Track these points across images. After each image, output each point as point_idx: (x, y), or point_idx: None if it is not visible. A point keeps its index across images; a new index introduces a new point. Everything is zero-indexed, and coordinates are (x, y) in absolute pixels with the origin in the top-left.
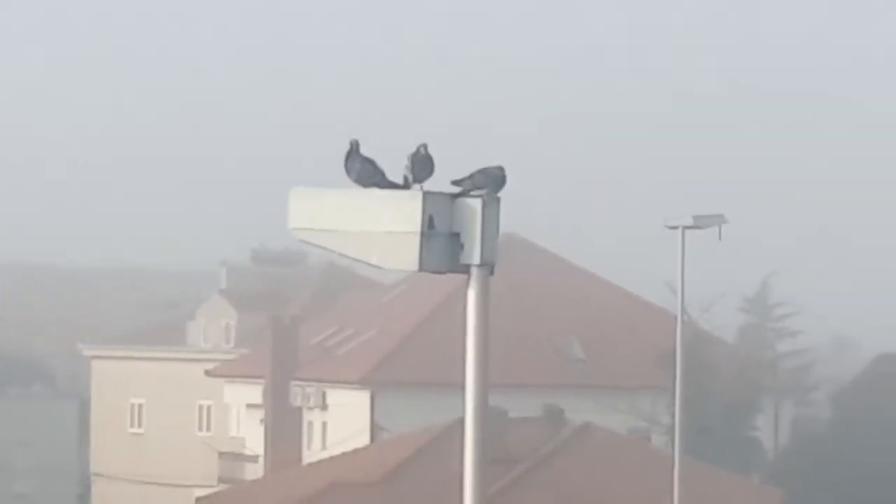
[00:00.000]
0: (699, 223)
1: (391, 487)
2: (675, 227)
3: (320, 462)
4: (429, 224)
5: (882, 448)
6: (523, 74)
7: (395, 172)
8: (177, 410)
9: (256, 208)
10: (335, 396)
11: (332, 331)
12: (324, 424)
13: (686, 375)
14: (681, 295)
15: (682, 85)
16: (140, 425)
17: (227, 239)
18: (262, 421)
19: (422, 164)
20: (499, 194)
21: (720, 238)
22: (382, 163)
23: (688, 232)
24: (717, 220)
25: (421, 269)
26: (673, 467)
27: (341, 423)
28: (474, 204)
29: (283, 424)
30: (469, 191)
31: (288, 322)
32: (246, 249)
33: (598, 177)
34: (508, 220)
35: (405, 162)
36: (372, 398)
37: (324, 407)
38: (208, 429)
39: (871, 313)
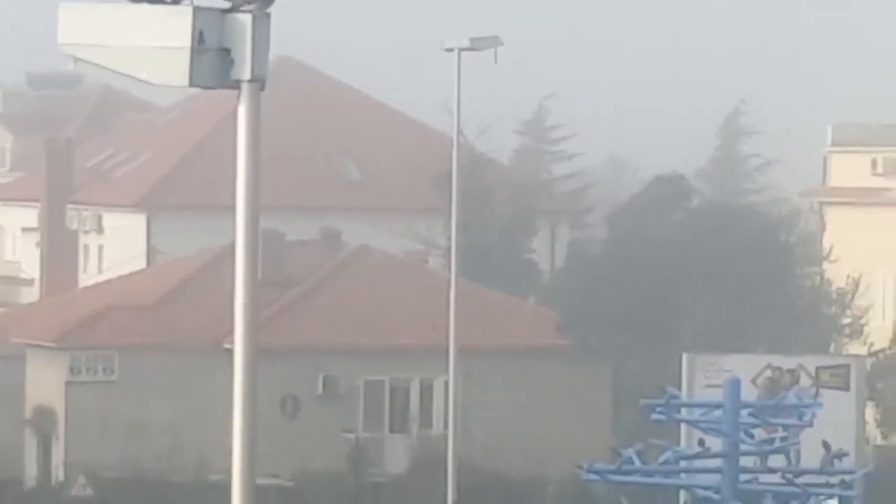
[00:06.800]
0: (476, 45)
1: (167, 310)
2: (451, 50)
3: (96, 285)
4: (199, 39)
5: (654, 269)
6: None
7: None
8: None
9: (30, 29)
10: (111, 220)
11: (108, 153)
12: (100, 248)
13: (462, 198)
14: (457, 117)
15: None
16: None
17: (1, 61)
18: (37, 244)
19: None
20: (269, 10)
21: (496, 60)
22: None
23: (464, 54)
24: (494, 41)
25: (191, 84)
26: (449, 289)
27: (118, 246)
28: (245, 19)
29: (59, 248)
30: (240, 6)
31: (63, 145)
32: (21, 71)
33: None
34: (283, 43)
35: None
36: (148, 221)
37: (100, 230)
38: None
39: (647, 135)
